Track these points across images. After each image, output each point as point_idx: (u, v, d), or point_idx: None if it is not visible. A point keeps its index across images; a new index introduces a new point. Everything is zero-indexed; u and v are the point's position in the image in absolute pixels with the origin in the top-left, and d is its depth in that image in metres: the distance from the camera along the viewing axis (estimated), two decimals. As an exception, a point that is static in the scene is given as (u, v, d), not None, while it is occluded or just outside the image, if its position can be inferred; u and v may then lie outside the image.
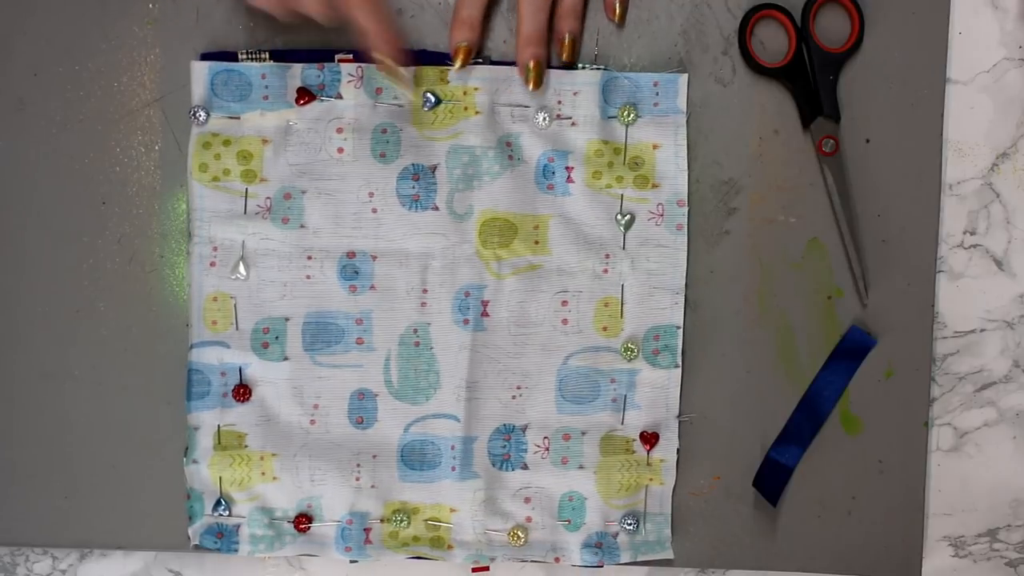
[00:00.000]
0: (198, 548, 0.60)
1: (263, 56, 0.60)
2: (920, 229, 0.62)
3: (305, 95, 0.59)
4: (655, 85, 0.60)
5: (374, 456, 0.61)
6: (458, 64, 0.59)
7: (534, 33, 0.58)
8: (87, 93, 0.61)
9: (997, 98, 0.63)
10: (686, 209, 0.61)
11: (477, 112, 0.60)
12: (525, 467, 0.61)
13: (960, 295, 0.63)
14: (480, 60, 0.60)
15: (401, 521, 0.60)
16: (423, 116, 0.60)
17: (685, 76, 0.60)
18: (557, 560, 0.61)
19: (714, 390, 0.61)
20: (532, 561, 0.61)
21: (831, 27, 0.61)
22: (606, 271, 0.61)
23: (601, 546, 0.61)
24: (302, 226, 0.60)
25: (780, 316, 0.61)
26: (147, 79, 0.61)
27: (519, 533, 0.60)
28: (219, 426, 0.60)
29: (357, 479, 0.60)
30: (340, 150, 0.60)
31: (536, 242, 0.60)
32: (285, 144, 0.60)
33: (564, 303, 0.61)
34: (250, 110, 0.60)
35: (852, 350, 0.61)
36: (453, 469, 0.60)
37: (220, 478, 0.60)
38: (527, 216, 0.60)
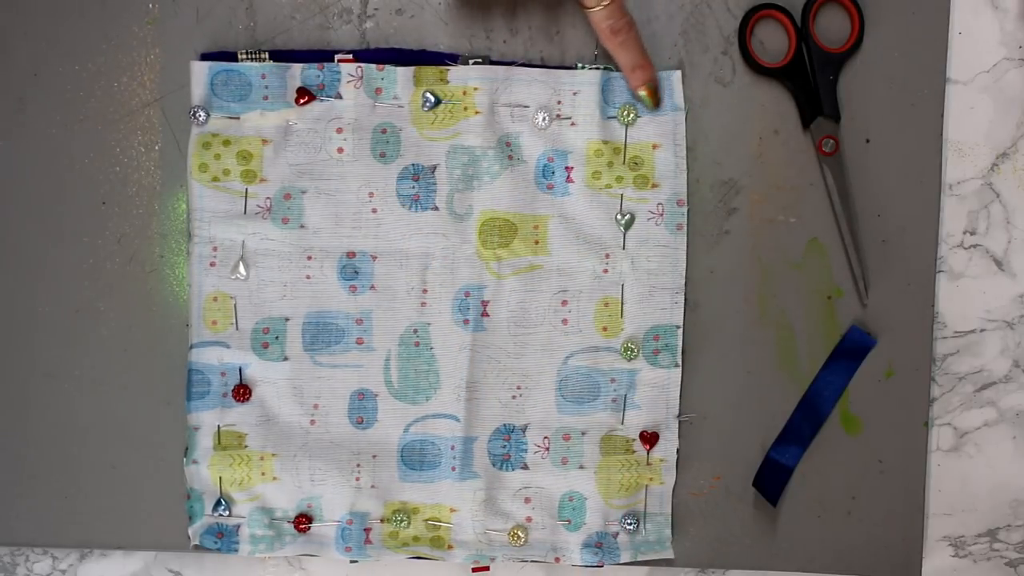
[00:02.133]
0: (198, 548, 0.60)
1: (263, 56, 0.60)
2: (920, 229, 0.62)
3: (305, 95, 0.59)
4: (654, 85, 0.60)
5: (374, 456, 0.61)
6: (652, 103, 0.60)
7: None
8: (87, 93, 0.61)
9: (997, 98, 0.63)
10: (686, 209, 0.61)
11: (477, 112, 0.60)
12: (525, 467, 0.61)
13: (960, 295, 0.63)
14: (480, 60, 0.60)
15: (401, 521, 0.60)
16: (423, 116, 0.60)
17: (679, 73, 0.60)
18: (557, 560, 0.61)
19: (714, 390, 0.61)
20: (532, 561, 0.61)
21: (831, 27, 0.61)
22: (606, 271, 0.61)
23: (601, 546, 0.61)
24: (302, 226, 0.60)
25: (780, 316, 0.61)
26: (147, 79, 0.61)
27: (519, 533, 0.60)
28: (219, 426, 0.60)
29: (357, 479, 0.60)
30: (340, 150, 0.60)
31: (536, 242, 0.60)
32: (285, 144, 0.60)
33: (564, 303, 0.61)
34: (250, 110, 0.60)
35: (852, 350, 0.61)
36: (453, 469, 0.60)
37: (220, 478, 0.60)
38: (527, 216, 0.60)
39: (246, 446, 0.60)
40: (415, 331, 0.60)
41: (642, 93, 0.59)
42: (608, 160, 0.60)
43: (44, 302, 0.61)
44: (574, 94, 0.60)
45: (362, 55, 0.60)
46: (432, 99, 0.60)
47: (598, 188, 0.60)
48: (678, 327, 0.61)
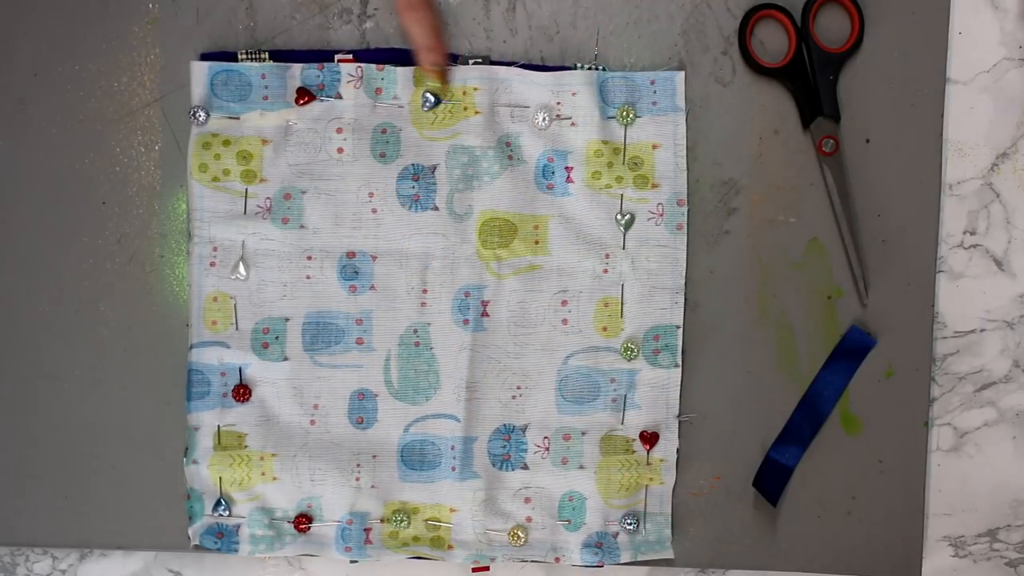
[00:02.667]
0: (198, 548, 0.60)
1: (263, 56, 0.60)
2: (920, 229, 0.62)
3: (305, 95, 0.59)
4: (652, 84, 0.60)
5: (374, 456, 0.61)
6: (440, 86, 0.59)
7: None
8: (87, 93, 0.61)
9: (997, 98, 0.63)
10: (686, 209, 0.61)
11: (477, 112, 0.60)
12: (525, 467, 0.61)
13: (960, 295, 0.63)
14: (480, 60, 0.60)
15: (401, 521, 0.60)
16: (423, 116, 0.60)
17: (682, 74, 0.60)
18: (557, 560, 0.61)
19: (714, 390, 0.61)
20: (532, 561, 0.61)
21: (831, 27, 0.61)
22: (606, 271, 0.61)
23: (601, 546, 0.61)
24: (302, 226, 0.60)
25: (780, 316, 0.61)
26: (147, 79, 0.61)
27: (519, 533, 0.60)
28: (219, 426, 0.60)
29: (357, 479, 0.60)
30: (340, 150, 0.60)
31: (536, 242, 0.60)
32: (285, 144, 0.60)
33: (564, 303, 0.61)
34: (250, 110, 0.60)
35: (852, 350, 0.61)
36: (453, 469, 0.60)
37: (220, 478, 0.60)
38: (527, 216, 0.60)
39: (246, 446, 0.60)
40: (415, 331, 0.60)
41: (433, 79, 0.59)
42: (608, 160, 0.60)
43: (44, 302, 0.61)
44: (574, 94, 0.60)
45: (362, 55, 0.60)
46: (432, 99, 0.60)
47: (598, 188, 0.60)
48: (678, 327, 0.61)
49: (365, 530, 0.60)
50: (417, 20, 0.58)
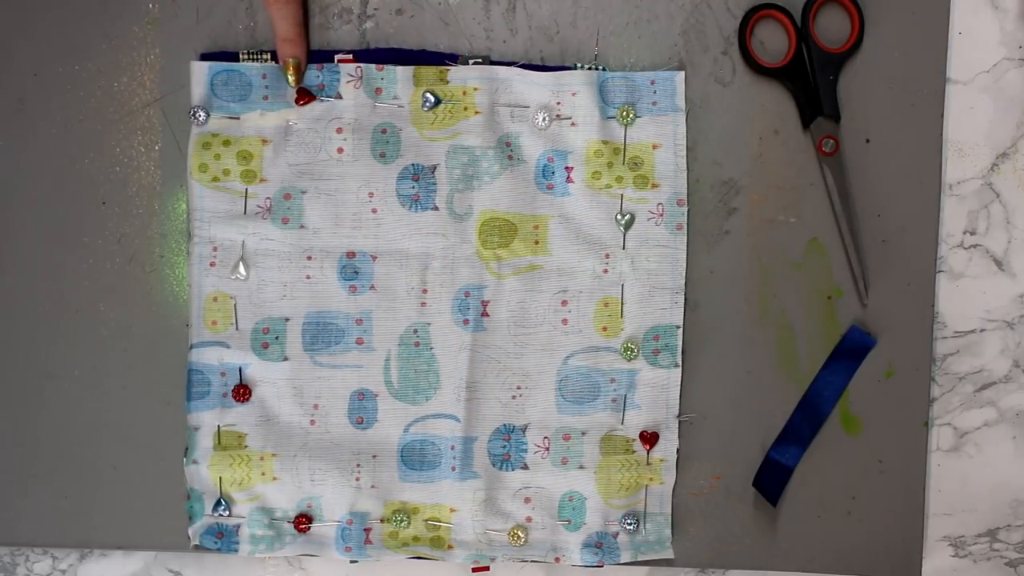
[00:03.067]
0: (198, 548, 0.60)
1: (263, 56, 0.60)
2: (920, 229, 0.62)
3: (305, 95, 0.59)
4: (652, 84, 0.60)
5: (374, 456, 0.61)
6: (293, 80, 0.59)
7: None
8: (87, 93, 0.61)
9: (997, 98, 0.63)
10: (686, 209, 0.61)
11: (477, 112, 0.60)
12: (525, 467, 0.61)
13: (960, 295, 0.63)
14: (480, 60, 0.60)
15: (401, 521, 0.60)
16: (423, 116, 0.60)
17: (682, 74, 0.60)
18: (557, 560, 0.61)
19: (714, 390, 0.61)
20: (532, 561, 0.61)
21: (831, 27, 0.61)
22: (606, 271, 0.61)
23: (601, 546, 0.61)
24: (302, 226, 0.60)
25: (780, 316, 0.61)
26: (147, 79, 0.61)
27: (519, 533, 0.60)
28: (219, 426, 0.60)
29: (357, 479, 0.60)
30: (340, 150, 0.60)
31: (536, 242, 0.60)
32: (285, 144, 0.60)
33: (564, 303, 0.61)
34: (250, 110, 0.60)
35: (852, 350, 0.61)
36: (453, 469, 0.60)
37: (220, 478, 0.60)
38: (527, 216, 0.60)
39: (246, 446, 0.60)
40: (415, 331, 0.60)
41: (287, 71, 0.59)
42: (608, 160, 0.60)
43: (44, 302, 0.61)
44: (574, 94, 0.60)
45: (362, 55, 0.60)
46: (432, 99, 0.60)
47: (598, 188, 0.60)
48: (678, 327, 0.61)
49: (365, 530, 0.60)
50: (280, 11, 0.58)
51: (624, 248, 0.61)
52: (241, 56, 0.60)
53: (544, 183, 0.61)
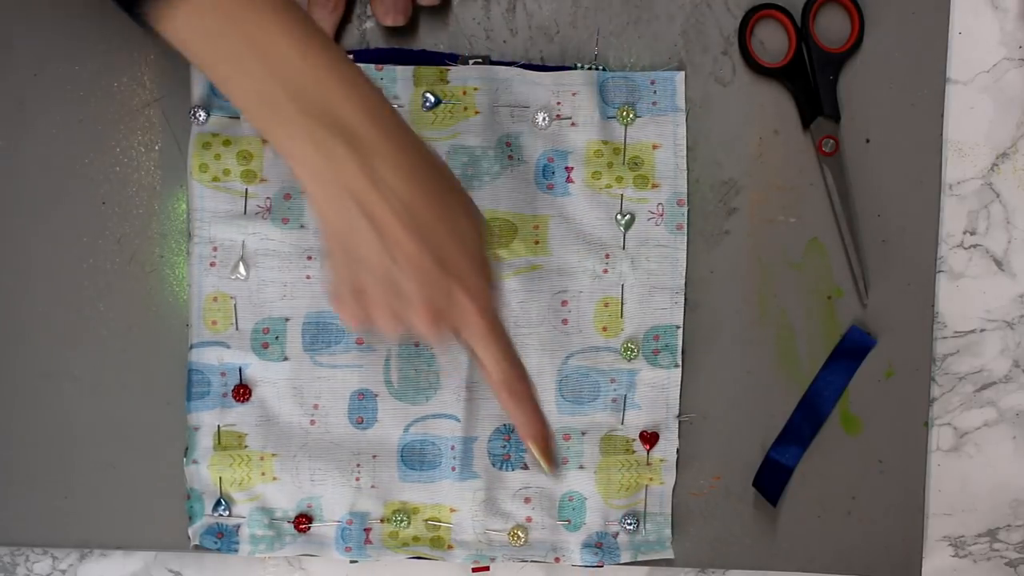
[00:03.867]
0: (198, 548, 0.60)
1: (263, 56, 0.59)
2: (920, 229, 0.62)
3: (305, 95, 0.59)
4: (652, 84, 0.60)
5: (374, 456, 0.61)
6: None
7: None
8: (87, 93, 0.61)
9: (997, 98, 0.63)
10: (686, 209, 0.61)
11: (477, 112, 0.60)
12: (525, 467, 0.61)
13: (960, 295, 0.63)
14: (480, 60, 0.60)
15: (401, 521, 0.60)
16: (423, 116, 0.60)
17: (682, 74, 0.60)
18: (557, 560, 0.61)
19: (714, 390, 0.61)
20: (532, 561, 0.61)
21: (831, 27, 0.61)
22: (606, 271, 0.61)
23: (601, 546, 0.61)
24: (302, 226, 0.60)
25: (780, 316, 0.61)
26: (147, 79, 0.61)
27: (519, 533, 0.60)
28: (219, 426, 0.60)
29: (357, 479, 0.60)
30: (340, 150, 0.60)
31: (536, 242, 0.60)
32: (285, 144, 0.60)
33: (564, 303, 0.61)
34: (250, 110, 0.60)
35: (852, 350, 0.61)
36: (453, 469, 0.60)
37: (220, 478, 0.60)
38: (527, 216, 0.60)
39: (246, 446, 0.60)
40: (415, 331, 0.60)
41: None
42: (608, 160, 0.60)
43: (44, 302, 0.61)
44: (574, 94, 0.60)
45: (362, 55, 0.60)
46: (432, 99, 0.60)
47: (598, 188, 0.60)
48: (678, 327, 0.61)
49: (365, 530, 0.60)
50: (323, 20, 0.58)
51: (624, 248, 0.61)
52: (241, 56, 0.59)
53: (544, 183, 0.61)
